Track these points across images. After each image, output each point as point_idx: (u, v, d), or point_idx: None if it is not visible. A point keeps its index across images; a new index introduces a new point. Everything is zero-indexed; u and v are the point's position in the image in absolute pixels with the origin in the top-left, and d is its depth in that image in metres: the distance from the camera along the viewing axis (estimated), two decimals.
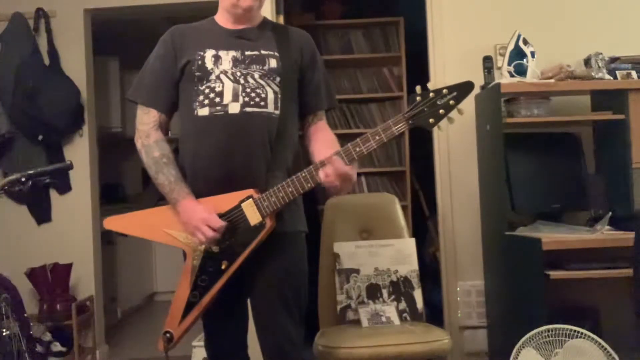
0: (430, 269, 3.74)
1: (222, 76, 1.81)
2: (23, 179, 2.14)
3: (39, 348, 3.16)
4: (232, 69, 1.81)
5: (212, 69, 1.81)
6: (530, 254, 2.54)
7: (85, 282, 3.61)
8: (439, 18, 3.34)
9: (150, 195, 4.53)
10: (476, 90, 3.02)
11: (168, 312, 1.85)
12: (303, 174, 1.72)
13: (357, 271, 2.69)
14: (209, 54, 1.83)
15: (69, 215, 3.60)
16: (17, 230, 3.57)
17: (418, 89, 1.69)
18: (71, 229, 3.59)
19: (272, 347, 1.82)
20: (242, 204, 1.75)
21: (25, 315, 2.35)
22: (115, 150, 5.25)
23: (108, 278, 4.20)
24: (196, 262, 1.80)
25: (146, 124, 1.87)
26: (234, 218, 1.76)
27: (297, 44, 1.92)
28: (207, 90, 1.81)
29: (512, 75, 2.87)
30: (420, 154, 3.92)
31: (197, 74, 1.82)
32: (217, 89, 1.80)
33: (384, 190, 4.30)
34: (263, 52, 1.85)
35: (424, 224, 4.22)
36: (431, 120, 1.67)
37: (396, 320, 2.60)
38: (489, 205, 3.10)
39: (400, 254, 2.71)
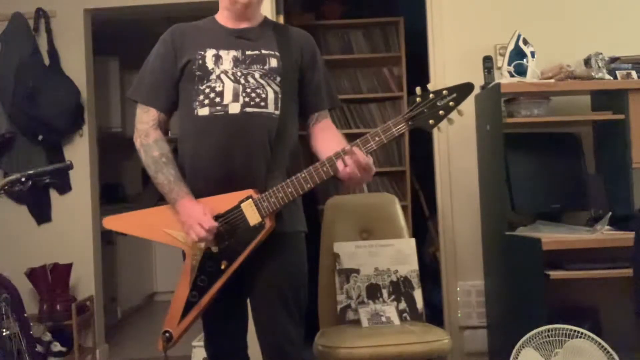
0: (430, 269, 3.74)
1: (223, 76, 1.80)
2: (23, 179, 2.14)
3: (39, 348, 3.17)
4: (232, 68, 1.81)
5: (212, 68, 1.81)
6: (530, 254, 2.54)
7: (85, 282, 3.61)
8: (439, 18, 3.34)
9: (150, 195, 4.54)
10: (476, 90, 3.02)
11: (168, 312, 1.85)
12: (303, 175, 1.72)
13: (357, 271, 2.69)
14: (210, 53, 1.83)
15: (69, 215, 3.60)
16: (17, 230, 3.57)
17: (418, 90, 1.69)
18: (71, 229, 3.59)
19: (272, 347, 1.82)
20: (242, 204, 1.75)
21: (25, 315, 2.35)
22: (115, 150, 5.25)
23: (108, 278, 4.20)
24: (195, 262, 1.80)
25: (145, 122, 1.87)
26: (233, 218, 1.75)
27: (297, 43, 1.92)
28: (207, 90, 1.80)
29: (512, 75, 2.87)
30: (420, 154, 3.92)
31: (197, 73, 1.82)
32: (218, 89, 1.79)
33: (384, 190, 4.30)
34: (264, 51, 1.85)
35: (424, 224, 4.22)
36: (431, 121, 1.67)
37: (396, 320, 2.60)
38: (489, 205, 3.10)
39: (400, 254, 2.71)
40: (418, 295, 2.67)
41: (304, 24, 3.92)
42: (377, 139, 1.68)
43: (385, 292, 2.67)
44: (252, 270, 1.80)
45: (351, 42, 4.49)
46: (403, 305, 2.65)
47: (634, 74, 2.91)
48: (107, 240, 4.34)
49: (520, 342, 2.18)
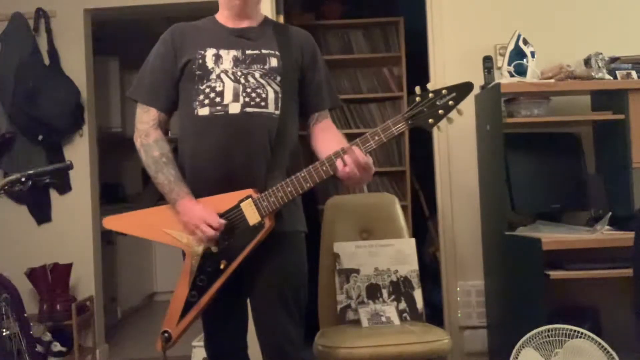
0: (430, 269, 3.74)
1: (223, 75, 1.80)
2: (23, 179, 2.14)
3: (39, 348, 3.17)
4: (232, 68, 1.81)
5: (212, 68, 1.81)
6: (530, 254, 2.54)
7: (85, 282, 3.61)
8: (439, 18, 3.34)
9: (150, 195, 4.55)
10: (476, 90, 3.03)
11: (167, 312, 1.84)
12: (302, 174, 1.72)
13: (357, 271, 2.69)
14: (210, 53, 1.83)
15: (69, 215, 3.60)
16: (17, 230, 3.57)
17: (417, 89, 1.69)
18: (71, 229, 3.59)
19: (272, 347, 1.82)
20: (241, 204, 1.75)
21: (25, 315, 2.35)
22: (115, 150, 5.25)
23: (108, 278, 4.20)
24: (195, 262, 1.79)
25: (145, 122, 1.86)
26: (233, 218, 1.75)
27: (297, 43, 1.92)
28: (207, 90, 1.80)
29: (512, 75, 2.87)
30: (420, 154, 3.92)
31: (197, 73, 1.82)
32: (218, 89, 1.79)
33: (384, 190, 4.30)
34: (264, 51, 1.85)
35: (424, 224, 4.22)
36: (430, 120, 1.67)
37: (396, 320, 2.60)
38: (489, 205, 3.10)
39: (400, 254, 2.71)
40: (418, 295, 2.67)
41: (304, 23, 3.91)
42: (376, 138, 1.68)
43: (385, 292, 2.67)
44: (252, 270, 1.80)
45: (351, 42, 4.49)
46: (403, 305, 2.65)
47: (634, 74, 2.91)
48: (107, 240, 4.34)
49: (520, 342, 2.18)
